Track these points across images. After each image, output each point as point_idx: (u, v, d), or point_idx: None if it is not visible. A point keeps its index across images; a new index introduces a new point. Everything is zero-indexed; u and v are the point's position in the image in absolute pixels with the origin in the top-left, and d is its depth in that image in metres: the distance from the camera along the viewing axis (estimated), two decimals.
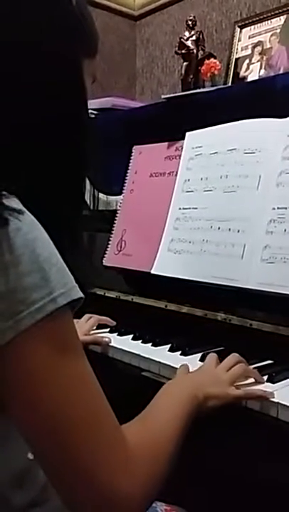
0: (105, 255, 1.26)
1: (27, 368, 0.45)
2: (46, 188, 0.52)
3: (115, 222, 1.28)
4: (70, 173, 0.55)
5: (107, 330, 1.13)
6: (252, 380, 0.77)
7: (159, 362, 0.90)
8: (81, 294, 0.49)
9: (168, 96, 1.27)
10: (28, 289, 0.45)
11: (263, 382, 0.77)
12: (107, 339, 1.04)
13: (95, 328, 1.11)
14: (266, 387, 0.76)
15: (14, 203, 0.47)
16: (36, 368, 0.46)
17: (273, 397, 0.73)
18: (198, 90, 1.41)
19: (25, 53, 0.50)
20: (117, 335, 1.09)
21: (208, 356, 0.80)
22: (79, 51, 0.55)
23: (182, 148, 1.16)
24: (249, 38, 1.78)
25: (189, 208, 1.09)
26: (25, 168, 0.50)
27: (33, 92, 0.50)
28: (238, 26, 1.83)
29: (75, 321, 0.50)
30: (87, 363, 0.50)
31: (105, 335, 1.08)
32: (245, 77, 1.75)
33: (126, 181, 1.30)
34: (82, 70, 0.55)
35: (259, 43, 1.74)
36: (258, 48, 1.74)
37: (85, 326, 1.08)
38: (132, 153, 1.31)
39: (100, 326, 1.13)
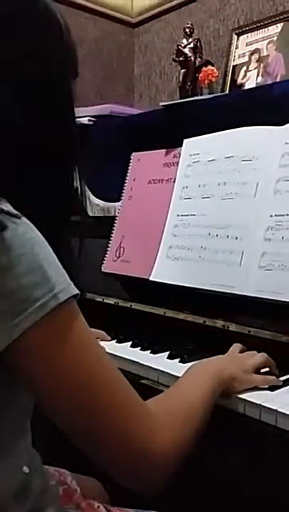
0: (104, 262, 1.26)
1: (38, 357, 0.48)
2: (40, 194, 0.55)
3: (114, 228, 1.28)
4: (62, 181, 0.59)
5: None
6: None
7: (158, 369, 0.90)
8: (77, 291, 0.52)
9: (166, 103, 1.28)
10: (29, 288, 0.47)
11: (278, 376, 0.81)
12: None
13: None
14: (265, 394, 0.76)
15: (5, 206, 0.49)
16: (46, 358, 0.48)
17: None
18: (196, 97, 1.42)
19: (32, 84, 0.55)
20: (116, 342, 1.08)
21: (233, 345, 0.86)
22: (71, 75, 0.60)
23: (180, 155, 1.16)
24: (246, 45, 1.79)
25: (187, 215, 1.09)
26: (22, 178, 0.53)
27: (40, 117, 0.55)
28: (236, 34, 1.84)
29: None
30: (100, 347, 0.54)
31: (103, 342, 1.07)
32: (242, 85, 1.76)
33: (124, 188, 1.30)
34: (73, 92, 0.61)
35: (256, 51, 1.75)
36: (255, 56, 1.75)
37: None
38: (131, 160, 1.31)
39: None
